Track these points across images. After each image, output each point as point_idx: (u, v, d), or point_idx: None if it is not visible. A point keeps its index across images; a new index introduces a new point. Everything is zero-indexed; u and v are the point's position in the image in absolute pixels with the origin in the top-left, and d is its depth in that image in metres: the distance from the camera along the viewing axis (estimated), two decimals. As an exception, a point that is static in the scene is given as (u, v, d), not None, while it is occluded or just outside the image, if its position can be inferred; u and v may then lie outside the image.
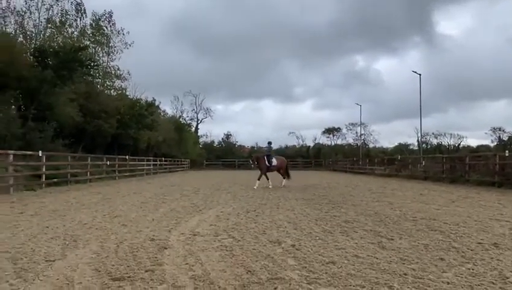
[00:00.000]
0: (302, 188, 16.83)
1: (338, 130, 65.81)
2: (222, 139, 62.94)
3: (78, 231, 6.36)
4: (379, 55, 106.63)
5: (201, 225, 7.01)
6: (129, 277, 3.90)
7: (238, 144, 62.49)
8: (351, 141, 66.11)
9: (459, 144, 60.48)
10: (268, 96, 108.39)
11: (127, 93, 35.19)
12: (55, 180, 16.57)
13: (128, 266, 4.26)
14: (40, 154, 15.68)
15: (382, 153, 57.94)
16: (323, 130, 66.47)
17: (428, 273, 4.06)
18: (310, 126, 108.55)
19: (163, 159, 37.43)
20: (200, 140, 62.97)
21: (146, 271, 4.09)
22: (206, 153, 58.16)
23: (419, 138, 47.27)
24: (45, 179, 15.90)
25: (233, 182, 20.89)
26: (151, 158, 34.16)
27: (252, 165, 18.63)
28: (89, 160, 20.85)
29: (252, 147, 60.95)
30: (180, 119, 56.75)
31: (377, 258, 4.63)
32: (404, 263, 4.42)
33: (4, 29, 23.26)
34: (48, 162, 16.48)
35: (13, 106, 19.42)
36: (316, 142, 66.40)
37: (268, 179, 16.94)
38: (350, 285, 3.68)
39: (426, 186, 17.73)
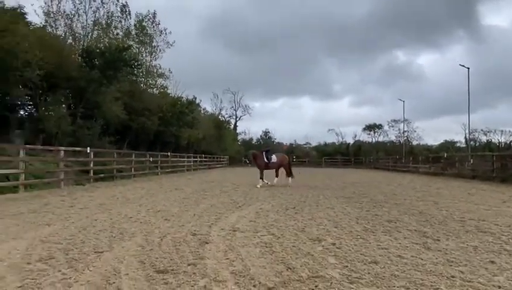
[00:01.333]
0: (341, 186, 16.55)
1: (379, 126, 63.99)
2: (260, 136, 63.22)
3: (124, 224, 6.63)
4: (421, 49, 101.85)
5: (241, 221, 7.08)
6: (172, 269, 4.01)
7: (276, 141, 62.48)
8: (393, 138, 64.09)
9: (511, 142, 56.84)
10: (306, 93, 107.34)
11: (169, 91, 36.19)
12: (102, 175, 17.35)
13: (171, 259, 4.39)
14: (88, 151, 16.48)
15: (426, 150, 55.66)
16: (364, 126, 64.86)
17: (478, 276, 3.86)
18: (349, 123, 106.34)
19: (203, 155, 38.14)
20: (239, 137, 63.63)
21: (188, 265, 4.19)
22: (245, 150, 58.59)
23: (467, 135, 45.04)
24: (93, 174, 16.70)
25: (272, 179, 20.88)
26: (192, 155, 34.94)
27: (248, 162, 17.67)
28: (133, 156, 21.69)
29: (291, 144, 60.74)
30: (219, 117, 57.60)
31: (422, 259, 4.47)
32: (451, 265, 4.24)
33: (55, 31, 24.60)
34: (96, 158, 17.30)
35: (63, 105, 20.55)
36: (356, 139, 65.00)
37: (262, 178, 15.68)
38: (394, 286, 3.58)
39: (474, 185, 16.85)
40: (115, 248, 4.93)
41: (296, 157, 53.70)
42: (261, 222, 6.93)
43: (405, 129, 58.48)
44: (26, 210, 8.15)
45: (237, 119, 66.04)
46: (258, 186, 14.99)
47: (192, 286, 3.54)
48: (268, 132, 62.74)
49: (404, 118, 52.82)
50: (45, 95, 18.77)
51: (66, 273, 3.85)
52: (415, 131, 62.35)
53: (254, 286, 3.57)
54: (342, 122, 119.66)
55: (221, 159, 47.04)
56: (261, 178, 15.55)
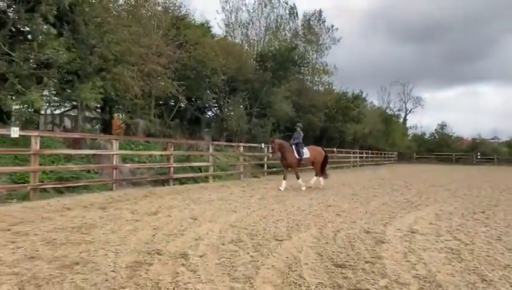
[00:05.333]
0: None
1: None
2: (435, 130, 57.08)
3: (298, 216, 6.97)
4: None
5: (419, 222, 6.56)
6: (350, 265, 4.01)
7: (454, 135, 55.41)
8: None
9: None
10: (488, 80, 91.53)
11: (334, 87, 36.28)
12: (274, 169, 18.68)
13: (347, 255, 4.39)
14: (263, 146, 17.99)
15: None
16: None
17: None
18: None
19: (369, 151, 36.95)
20: (409, 131, 59.02)
21: (366, 262, 4.12)
22: (416, 145, 53.97)
23: None
24: (267, 168, 18.16)
25: (451, 179, 18.69)
26: (357, 151, 34.28)
27: (271, 154, 12.98)
28: (301, 152, 22.63)
29: (474, 139, 52.92)
30: (387, 110, 54.61)
31: None
32: None
33: (234, 40, 27.65)
34: (268, 153, 18.75)
35: (241, 106, 22.90)
36: None
37: (298, 177, 12.20)
38: None
39: None
40: (293, 237, 5.23)
41: (481, 154, 46.53)
42: (444, 225, 6.27)
43: None
44: (216, 198, 9.41)
45: (407, 112, 61.51)
46: (303, 188, 11.80)
47: (372, 285, 3.47)
48: (445, 125, 56.14)
49: None
50: (227, 97, 21.33)
51: (254, 257, 4.27)
52: None
53: (443, 294, 3.26)
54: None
55: (390, 155, 44.60)
56: (298, 177, 12.17)
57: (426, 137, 56.38)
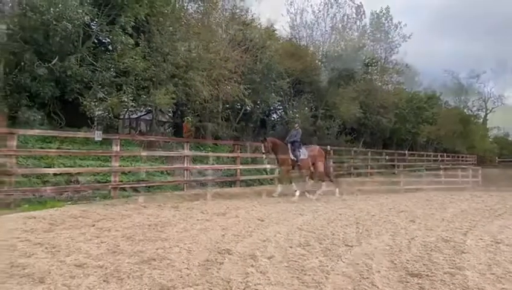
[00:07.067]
0: None
1: None
2: (520, 130, 51.90)
3: (367, 221, 6.73)
4: None
5: (505, 232, 5.99)
6: (427, 275, 3.77)
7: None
8: None
9: None
10: None
11: (404, 86, 34.50)
12: (341, 172, 18.28)
13: (424, 264, 4.14)
14: (329, 149, 17.68)
15: None
16: None
17: None
18: None
19: (444, 154, 34.59)
20: (490, 133, 54.25)
21: (445, 273, 3.85)
22: (499, 148, 49.46)
23: None
24: (332, 171, 17.81)
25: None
26: (431, 153, 32.29)
27: (264, 154, 10.71)
28: (369, 154, 21.93)
29: None
30: (465, 110, 50.68)
31: None
32: None
33: (299, 42, 27.52)
34: (334, 155, 18.40)
35: (306, 108, 22.74)
36: None
37: (291, 182, 10.88)
38: None
39: None
40: (363, 243, 5.06)
41: None
42: (534, 237, 5.66)
43: None
44: (282, 200, 9.44)
45: (487, 112, 56.58)
46: (297, 193, 10.30)
47: (453, 298, 3.24)
48: (533, 125, 50.85)
49: None
50: (292, 100, 21.30)
51: (323, 262, 4.20)
52: None
53: (537, 314, 2.94)
54: None
55: (467, 159, 41.33)
56: (291, 182, 10.92)
57: (510, 139, 51.45)
